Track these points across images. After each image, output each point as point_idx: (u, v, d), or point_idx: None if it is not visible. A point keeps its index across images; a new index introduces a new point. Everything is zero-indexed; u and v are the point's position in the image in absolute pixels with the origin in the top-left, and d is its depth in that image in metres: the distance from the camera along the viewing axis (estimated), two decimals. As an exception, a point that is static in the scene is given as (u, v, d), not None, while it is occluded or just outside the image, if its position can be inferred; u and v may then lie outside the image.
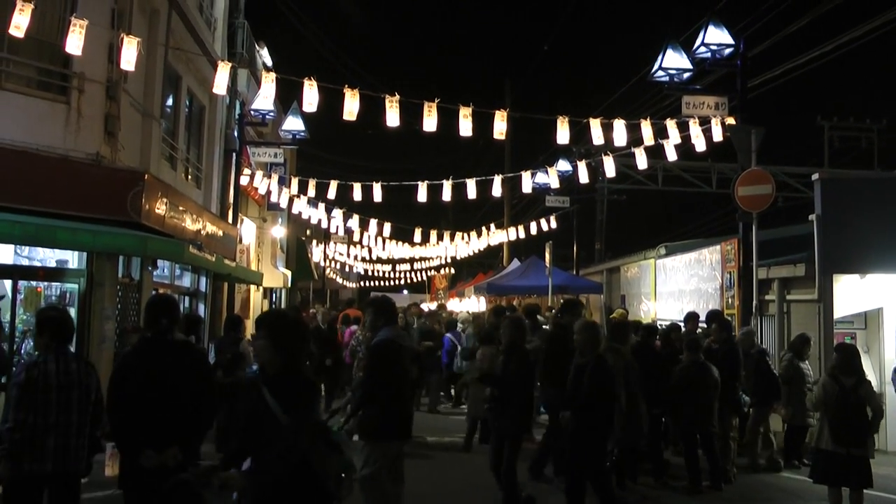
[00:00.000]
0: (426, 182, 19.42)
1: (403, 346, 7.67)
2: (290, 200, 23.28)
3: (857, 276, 13.10)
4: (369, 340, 8.11)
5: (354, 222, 26.98)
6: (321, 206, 24.95)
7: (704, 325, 12.73)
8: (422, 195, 19.48)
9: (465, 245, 31.78)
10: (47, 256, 12.12)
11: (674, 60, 13.21)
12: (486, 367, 11.91)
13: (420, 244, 31.58)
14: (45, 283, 12.13)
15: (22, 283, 11.58)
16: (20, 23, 10.20)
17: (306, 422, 4.51)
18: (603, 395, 8.09)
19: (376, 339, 7.48)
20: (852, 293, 13.19)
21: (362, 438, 7.30)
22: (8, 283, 11.45)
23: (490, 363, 12.13)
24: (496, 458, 8.78)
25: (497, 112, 13.19)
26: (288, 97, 17.55)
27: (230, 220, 19.38)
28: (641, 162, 16.44)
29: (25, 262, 11.92)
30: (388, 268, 48.92)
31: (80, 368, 5.92)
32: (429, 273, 51.03)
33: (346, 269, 51.40)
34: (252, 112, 19.13)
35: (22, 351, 11.31)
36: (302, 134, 18.87)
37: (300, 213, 25.18)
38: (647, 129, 14.25)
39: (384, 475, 7.18)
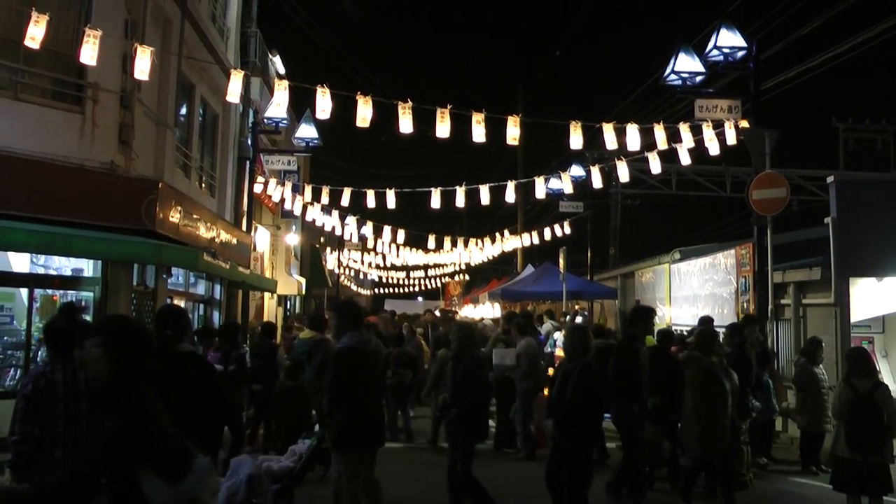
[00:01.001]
0: (439, 188, 19.41)
1: (367, 352, 7.49)
2: (304, 208, 23.31)
3: (874, 279, 13.02)
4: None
5: (368, 229, 26.95)
6: (335, 213, 24.96)
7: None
8: (435, 202, 19.48)
9: (479, 251, 31.72)
10: (63, 265, 12.18)
11: (686, 64, 13.20)
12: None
13: (434, 251, 31.49)
14: (61, 292, 12.19)
15: (38, 292, 11.66)
16: (35, 34, 10.28)
17: (127, 438, 3.85)
18: (588, 404, 7.77)
19: (338, 347, 7.36)
20: (869, 297, 13.11)
21: (331, 448, 7.22)
22: (24, 292, 11.53)
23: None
24: (453, 463, 8.69)
25: (510, 118, 13.17)
26: (301, 105, 17.62)
27: (244, 227, 19.44)
28: (655, 166, 16.39)
29: (41, 271, 11.99)
30: (402, 275, 48.83)
31: (88, 377, 5.86)
32: (443, 280, 50.94)
33: (361, 276, 51.40)
34: (265, 120, 19.23)
35: (38, 359, 11.38)
36: (315, 141, 18.94)
37: (314, 221, 25.18)
38: (660, 133, 14.18)
39: (358, 484, 7.09)
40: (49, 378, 5.75)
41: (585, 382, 7.75)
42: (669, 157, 16.05)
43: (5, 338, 11.72)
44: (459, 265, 40.19)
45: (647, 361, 9.41)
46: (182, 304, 14.87)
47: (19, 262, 11.61)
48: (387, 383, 14.01)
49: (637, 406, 8.95)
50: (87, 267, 12.16)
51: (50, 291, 12.01)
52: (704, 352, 9.58)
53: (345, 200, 20.93)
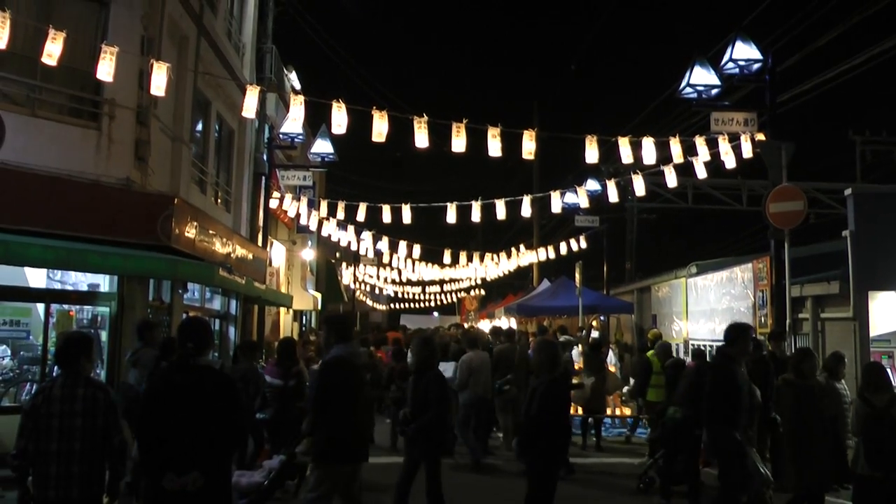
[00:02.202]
0: (455, 203, 19.39)
1: (356, 364, 7.44)
2: (320, 223, 23.34)
3: (893, 292, 12.90)
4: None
5: (384, 244, 26.95)
6: (350, 228, 24.99)
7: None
8: (451, 216, 19.45)
9: (495, 266, 31.68)
10: (79, 280, 12.25)
11: (702, 77, 13.15)
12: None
13: (450, 266, 31.51)
14: (77, 307, 12.26)
15: (54, 307, 11.70)
16: (53, 51, 10.38)
17: None
18: (552, 420, 7.62)
19: (327, 357, 7.28)
20: (889, 310, 12.98)
21: (311, 460, 7.13)
22: (40, 307, 11.58)
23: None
24: (405, 481, 8.52)
25: (525, 132, 13.15)
26: (316, 120, 17.69)
27: (260, 243, 19.48)
28: (671, 180, 16.34)
29: (58, 286, 12.06)
30: (417, 290, 48.83)
31: (87, 394, 5.79)
32: (459, 295, 50.87)
33: (376, 291, 51.41)
34: (281, 135, 19.30)
35: (54, 374, 11.41)
36: (331, 157, 18.99)
37: (329, 236, 25.24)
38: (675, 146, 14.12)
39: (333, 499, 6.96)
40: (47, 393, 5.77)
41: (550, 398, 7.61)
42: (685, 170, 15.98)
43: (21, 353, 11.78)
44: (475, 280, 40.15)
45: (745, 384, 8.69)
46: (196, 316, 14.88)
47: (36, 277, 11.66)
48: (390, 397, 14.09)
49: (738, 433, 8.26)
50: (104, 282, 12.21)
51: (66, 307, 12.06)
52: (800, 375, 8.96)
53: (360, 215, 20.97)
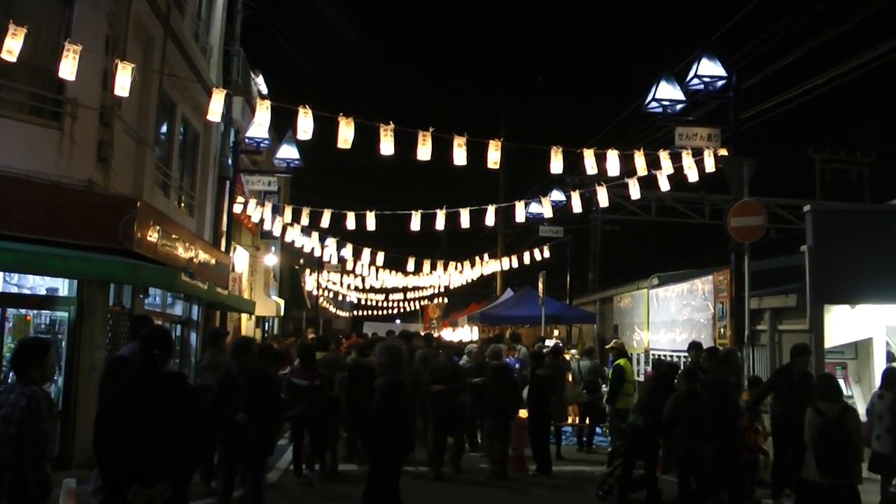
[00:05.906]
0: (420, 211, 19.38)
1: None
2: (284, 229, 23.23)
3: (847, 306, 13.11)
4: None
5: (348, 251, 26.85)
6: (314, 234, 24.90)
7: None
8: (415, 224, 19.44)
9: (459, 275, 31.70)
10: (37, 284, 12.04)
11: (667, 92, 13.30)
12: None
13: (413, 273, 31.45)
14: (35, 311, 12.01)
15: (11, 311, 11.46)
16: (13, 47, 10.18)
17: None
18: (388, 420, 7.96)
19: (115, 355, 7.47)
20: (843, 323, 13.19)
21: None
22: (-4, 311, 11.35)
23: None
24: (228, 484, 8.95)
25: (491, 142, 13.19)
26: (283, 126, 17.57)
27: (223, 248, 19.33)
28: (634, 192, 16.48)
29: (15, 290, 11.83)
30: (381, 297, 48.77)
31: (12, 400, 5.48)
32: (422, 302, 50.87)
33: (339, 298, 51.26)
34: (247, 140, 19.18)
35: (9, 381, 11.22)
36: (296, 162, 18.90)
37: (293, 242, 25.12)
38: (640, 159, 14.24)
39: None
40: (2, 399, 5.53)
41: (388, 398, 8.03)
42: (649, 183, 16.12)
43: (-25, 358, 11.54)
44: (439, 288, 40.16)
45: None
46: (159, 324, 14.71)
47: (-8, 280, 11.46)
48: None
49: None
50: (63, 286, 12.01)
51: (23, 311, 11.81)
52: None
53: (325, 222, 20.87)
